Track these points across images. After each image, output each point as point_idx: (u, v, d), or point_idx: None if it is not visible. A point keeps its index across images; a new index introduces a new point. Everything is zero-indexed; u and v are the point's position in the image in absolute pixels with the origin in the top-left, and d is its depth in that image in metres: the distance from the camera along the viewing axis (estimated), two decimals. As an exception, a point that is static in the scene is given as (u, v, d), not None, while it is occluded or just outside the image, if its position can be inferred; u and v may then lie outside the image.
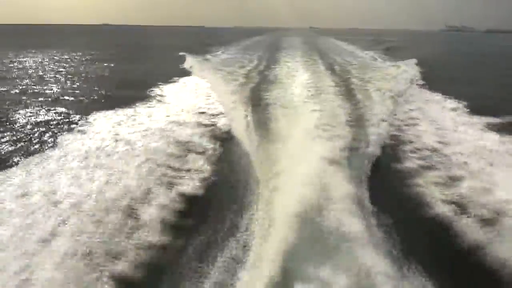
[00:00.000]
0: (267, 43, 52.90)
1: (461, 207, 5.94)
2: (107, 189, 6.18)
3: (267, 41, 60.87)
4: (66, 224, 5.17)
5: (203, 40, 56.37)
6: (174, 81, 18.14)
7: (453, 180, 6.93)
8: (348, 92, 15.67)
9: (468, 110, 12.59)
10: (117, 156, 7.67)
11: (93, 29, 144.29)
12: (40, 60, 29.54)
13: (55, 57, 32.13)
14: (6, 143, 9.05)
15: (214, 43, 48.06)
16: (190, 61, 25.79)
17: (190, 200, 6.18)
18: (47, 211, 5.47)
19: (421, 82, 19.26)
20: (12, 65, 25.86)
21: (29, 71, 22.49)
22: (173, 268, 4.48)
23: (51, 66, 25.56)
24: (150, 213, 5.55)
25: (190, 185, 6.53)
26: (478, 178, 6.98)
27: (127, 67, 25.07)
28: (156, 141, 8.76)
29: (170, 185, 6.47)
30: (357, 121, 10.99)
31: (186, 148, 8.47)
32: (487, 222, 5.46)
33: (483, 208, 5.84)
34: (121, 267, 4.43)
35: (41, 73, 21.85)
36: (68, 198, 5.90)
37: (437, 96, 15.24)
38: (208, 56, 31.64)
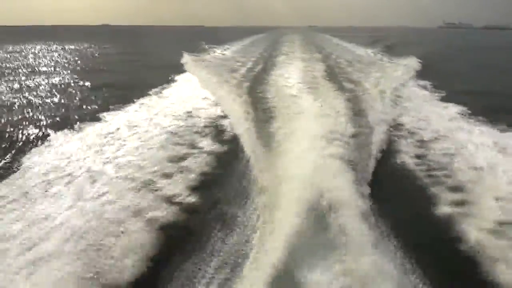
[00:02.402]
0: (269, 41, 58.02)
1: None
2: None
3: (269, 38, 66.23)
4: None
5: (208, 39, 58.43)
6: (174, 80, 18.83)
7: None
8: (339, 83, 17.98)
9: (467, 109, 12.52)
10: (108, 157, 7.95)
11: (92, 30, 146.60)
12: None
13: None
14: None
15: (220, 41, 50.93)
16: (190, 60, 26.55)
17: (187, 201, 6.25)
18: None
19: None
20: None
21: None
22: (163, 273, 4.50)
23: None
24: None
25: (185, 185, 6.62)
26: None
27: (126, 69, 26.06)
28: (152, 142, 9.03)
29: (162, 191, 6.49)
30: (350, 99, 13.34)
31: (183, 146, 8.77)
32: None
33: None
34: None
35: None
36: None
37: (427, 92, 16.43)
38: (212, 54, 33.13)
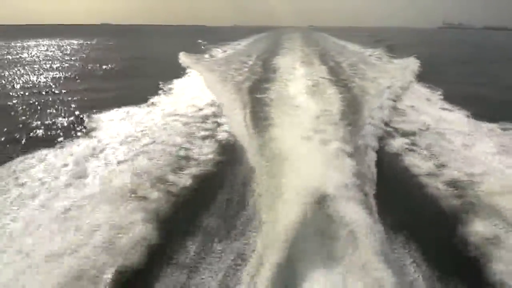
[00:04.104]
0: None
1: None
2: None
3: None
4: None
5: (211, 38, 62.25)
6: (179, 77, 19.99)
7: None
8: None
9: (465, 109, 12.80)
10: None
11: (92, 29, 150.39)
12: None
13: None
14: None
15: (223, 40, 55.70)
16: (194, 59, 28.46)
17: (187, 197, 6.53)
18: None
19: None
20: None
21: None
22: (162, 273, 4.62)
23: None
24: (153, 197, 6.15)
25: (187, 181, 6.89)
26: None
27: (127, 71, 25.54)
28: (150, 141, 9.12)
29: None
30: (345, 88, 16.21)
31: (185, 141, 9.12)
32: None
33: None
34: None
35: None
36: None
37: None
38: (215, 52, 35.76)
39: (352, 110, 12.22)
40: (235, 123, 10.81)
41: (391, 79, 18.52)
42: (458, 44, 67.59)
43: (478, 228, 5.47)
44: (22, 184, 6.61)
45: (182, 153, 8.38)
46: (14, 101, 14.10)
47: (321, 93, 14.52)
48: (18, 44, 50.17)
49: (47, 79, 19.86)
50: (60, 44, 52.26)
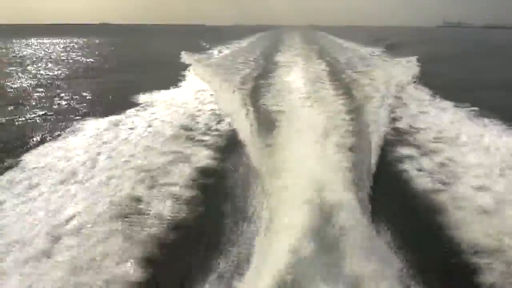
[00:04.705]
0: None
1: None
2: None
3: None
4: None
5: (211, 38, 62.44)
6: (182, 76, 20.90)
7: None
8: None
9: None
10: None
11: (94, 29, 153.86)
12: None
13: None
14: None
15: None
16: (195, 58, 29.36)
17: (231, 134, 8.89)
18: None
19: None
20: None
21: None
22: (161, 276, 4.67)
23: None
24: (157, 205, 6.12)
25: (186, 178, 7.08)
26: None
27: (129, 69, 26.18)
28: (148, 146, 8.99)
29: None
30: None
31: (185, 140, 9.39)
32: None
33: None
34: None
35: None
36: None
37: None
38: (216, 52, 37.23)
39: (344, 92, 14.89)
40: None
41: (388, 73, 20.45)
42: (456, 42, 70.68)
43: (401, 151, 8.62)
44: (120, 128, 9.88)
45: (217, 112, 11.90)
46: (57, 90, 16.66)
47: (319, 81, 17.35)
48: (37, 42, 54.70)
49: (78, 72, 23.22)
50: (75, 42, 56.55)
